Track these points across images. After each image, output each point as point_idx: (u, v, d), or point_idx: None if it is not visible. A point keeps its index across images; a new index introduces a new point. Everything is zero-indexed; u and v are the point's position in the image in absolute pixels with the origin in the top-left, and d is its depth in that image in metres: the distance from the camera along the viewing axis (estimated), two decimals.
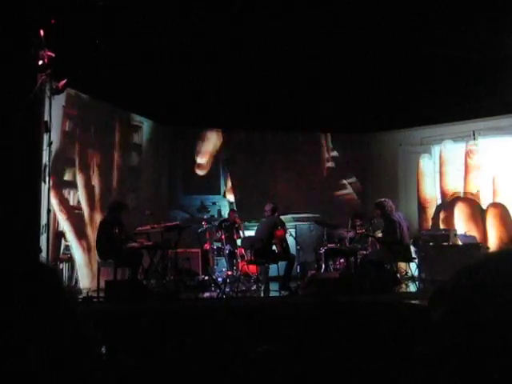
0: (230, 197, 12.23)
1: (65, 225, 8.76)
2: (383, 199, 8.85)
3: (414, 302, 7.01)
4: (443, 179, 11.57)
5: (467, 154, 11.18)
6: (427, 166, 11.82)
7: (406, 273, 9.89)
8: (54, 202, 8.11)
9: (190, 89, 10.26)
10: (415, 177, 11.97)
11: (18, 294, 0.97)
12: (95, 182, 9.62)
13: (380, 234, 9.05)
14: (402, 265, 9.93)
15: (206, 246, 10.18)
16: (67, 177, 8.98)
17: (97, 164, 9.64)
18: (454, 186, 11.36)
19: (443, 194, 11.53)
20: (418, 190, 11.90)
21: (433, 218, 11.49)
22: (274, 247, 9.24)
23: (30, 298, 0.97)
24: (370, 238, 9.65)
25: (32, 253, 7.09)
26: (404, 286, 9.16)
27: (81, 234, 9.09)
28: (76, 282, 8.81)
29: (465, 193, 11.20)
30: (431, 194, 11.75)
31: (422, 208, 11.81)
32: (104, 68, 8.52)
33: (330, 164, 12.84)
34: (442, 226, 11.05)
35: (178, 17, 8.39)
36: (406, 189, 12.16)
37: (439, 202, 11.59)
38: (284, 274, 8.99)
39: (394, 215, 8.68)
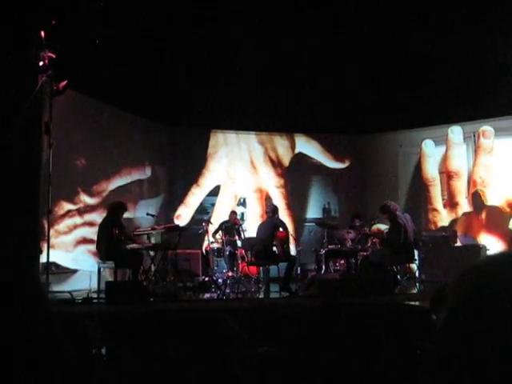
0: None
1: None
2: (386, 202, 8.75)
3: (414, 303, 7.01)
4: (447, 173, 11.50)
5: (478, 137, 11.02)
6: (430, 147, 11.78)
7: (406, 274, 9.86)
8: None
9: (192, 89, 10.27)
10: (416, 178, 11.96)
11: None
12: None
13: (382, 227, 9.01)
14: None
15: (207, 247, 10.17)
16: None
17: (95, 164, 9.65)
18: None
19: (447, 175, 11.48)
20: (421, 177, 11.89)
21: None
22: (274, 248, 9.23)
23: (7, 302, 0.97)
24: (370, 239, 9.64)
25: (32, 254, 7.10)
26: (404, 287, 9.14)
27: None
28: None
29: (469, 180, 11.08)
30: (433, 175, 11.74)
31: (425, 206, 11.76)
32: (104, 69, 8.53)
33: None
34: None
35: (178, 17, 8.40)
36: (407, 190, 12.15)
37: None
38: (284, 275, 8.98)
39: (401, 217, 8.58)
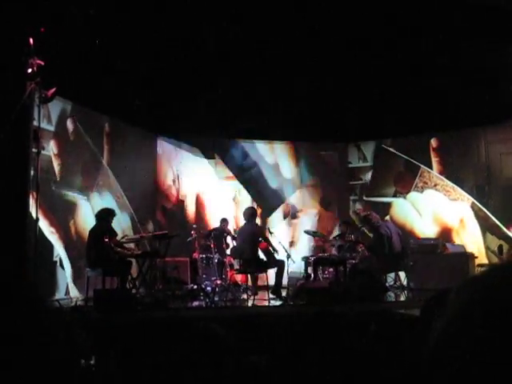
0: None
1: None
2: (368, 213, 8.91)
3: (402, 311, 7.02)
4: None
5: None
6: None
7: (395, 281, 9.87)
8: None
9: (187, 96, 10.27)
10: None
11: None
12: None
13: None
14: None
15: (195, 255, 10.14)
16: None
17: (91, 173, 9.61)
18: None
19: None
20: None
21: None
22: (262, 256, 9.24)
23: (6, 311, 0.97)
24: (359, 247, 9.67)
25: (20, 262, 7.04)
26: (393, 294, 9.15)
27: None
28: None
29: None
30: None
31: None
32: (93, 76, 8.51)
33: None
34: None
35: (171, 23, 8.40)
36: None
37: None
38: (275, 279, 8.99)
39: (383, 227, 8.66)
